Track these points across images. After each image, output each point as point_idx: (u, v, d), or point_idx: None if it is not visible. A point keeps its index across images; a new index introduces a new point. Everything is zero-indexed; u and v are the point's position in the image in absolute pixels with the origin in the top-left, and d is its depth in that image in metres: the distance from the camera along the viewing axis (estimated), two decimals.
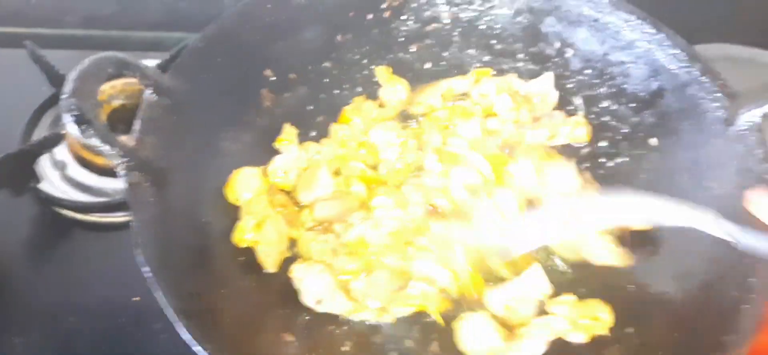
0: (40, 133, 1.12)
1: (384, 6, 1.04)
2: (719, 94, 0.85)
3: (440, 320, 0.82)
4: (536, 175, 0.91)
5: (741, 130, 0.81)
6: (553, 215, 0.85)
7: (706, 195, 0.83)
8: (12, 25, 1.34)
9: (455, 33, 1.07)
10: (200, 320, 0.68)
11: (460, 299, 0.84)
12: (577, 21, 0.99)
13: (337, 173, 0.94)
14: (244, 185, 0.89)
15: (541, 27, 1.03)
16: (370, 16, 1.04)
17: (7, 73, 1.23)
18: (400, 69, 1.05)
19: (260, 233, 0.85)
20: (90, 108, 0.68)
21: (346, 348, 0.80)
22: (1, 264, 0.98)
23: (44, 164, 1.07)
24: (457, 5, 1.06)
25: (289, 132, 0.96)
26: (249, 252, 0.85)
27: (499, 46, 1.06)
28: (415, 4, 1.06)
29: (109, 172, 1.06)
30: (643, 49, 0.94)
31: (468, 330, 0.80)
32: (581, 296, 0.83)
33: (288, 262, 0.86)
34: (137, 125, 0.77)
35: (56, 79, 1.16)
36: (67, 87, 0.68)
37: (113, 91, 1.13)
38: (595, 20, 0.98)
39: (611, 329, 0.80)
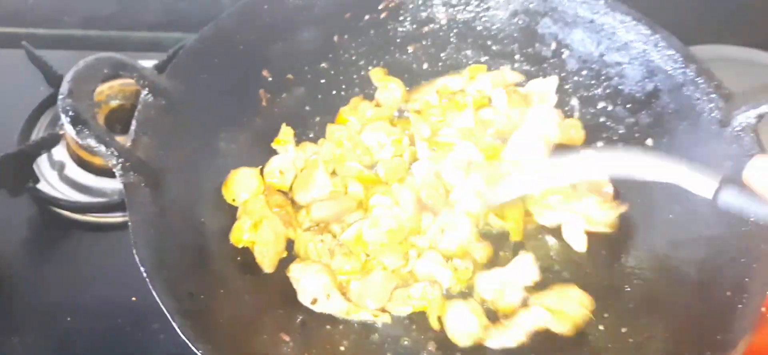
0: (38, 133, 1.12)
1: (381, 7, 1.04)
2: (714, 95, 0.85)
3: (436, 324, 0.82)
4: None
5: (736, 131, 0.81)
6: (538, 164, 0.88)
7: (701, 195, 0.83)
8: (10, 26, 1.34)
9: (452, 34, 1.08)
10: (197, 319, 0.69)
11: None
12: (573, 22, 1.00)
13: (334, 174, 0.95)
14: (241, 186, 0.89)
15: (537, 28, 1.03)
16: (366, 17, 1.04)
17: (6, 74, 1.24)
18: (397, 70, 1.05)
19: (257, 234, 0.85)
20: (86, 109, 0.69)
21: (343, 348, 0.80)
22: (0, 264, 0.98)
23: (42, 164, 1.08)
24: (453, 6, 1.06)
25: (286, 132, 0.96)
26: (246, 252, 0.85)
27: (495, 47, 1.07)
28: (411, 6, 1.06)
29: (107, 172, 1.05)
30: (638, 50, 0.94)
31: (452, 316, 0.82)
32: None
33: (285, 262, 0.86)
34: (134, 126, 0.78)
35: (54, 80, 1.16)
36: (63, 88, 0.69)
37: (111, 91, 1.13)
38: (591, 21, 0.98)
39: (606, 330, 0.80)
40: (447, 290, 0.85)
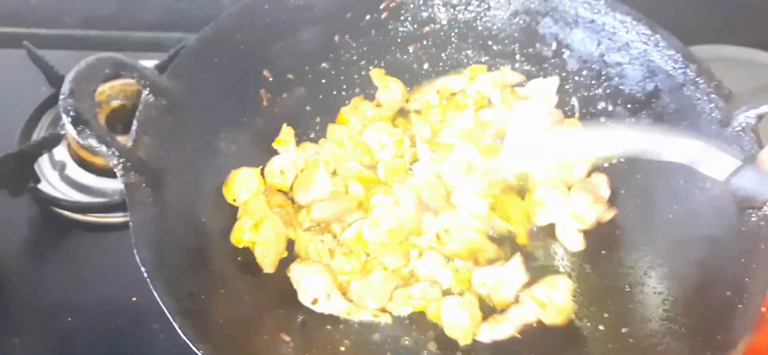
0: (39, 133, 1.12)
1: (382, 7, 1.04)
2: (715, 95, 0.85)
3: (434, 318, 0.82)
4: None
5: (736, 131, 0.81)
6: (538, 141, 0.88)
7: (701, 196, 0.83)
8: (11, 26, 1.34)
9: (452, 34, 1.08)
10: (198, 320, 0.69)
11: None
12: (574, 22, 1.00)
13: (334, 174, 0.95)
14: (242, 186, 0.89)
15: (537, 28, 1.03)
16: (367, 18, 1.04)
17: (7, 74, 1.24)
18: (397, 70, 1.05)
19: (258, 234, 0.85)
20: (87, 109, 0.69)
21: (343, 348, 0.80)
22: (1, 264, 0.98)
23: (43, 164, 1.08)
24: (454, 7, 1.06)
25: (287, 133, 0.97)
26: (247, 252, 0.85)
27: (496, 47, 1.07)
28: (412, 6, 1.06)
29: (107, 172, 1.06)
30: (639, 50, 0.94)
31: (447, 311, 0.82)
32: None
33: (286, 262, 0.86)
34: (135, 126, 0.78)
35: (55, 80, 1.16)
36: (65, 88, 0.69)
37: (112, 91, 1.13)
38: (592, 21, 0.98)
39: (606, 330, 0.80)
40: (447, 290, 0.85)
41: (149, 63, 1.08)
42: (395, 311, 0.83)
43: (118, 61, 0.75)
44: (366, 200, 0.91)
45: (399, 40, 1.07)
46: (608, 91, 0.99)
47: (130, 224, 0.71)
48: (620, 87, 0.97)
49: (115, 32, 1.36)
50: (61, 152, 1.09)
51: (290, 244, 0.88)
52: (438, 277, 0.85)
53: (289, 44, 0.99)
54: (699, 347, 0.73)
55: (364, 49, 1.05)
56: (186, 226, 0.80)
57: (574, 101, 1.01)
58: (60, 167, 1.08)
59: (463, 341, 0.81)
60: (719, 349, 0.71)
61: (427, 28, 1.07)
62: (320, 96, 1.02)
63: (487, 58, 1.07)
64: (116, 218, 1.02)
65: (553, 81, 1.01)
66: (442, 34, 1.08)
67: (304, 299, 0.83)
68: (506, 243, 0.89)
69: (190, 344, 0.66)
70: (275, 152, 0.95)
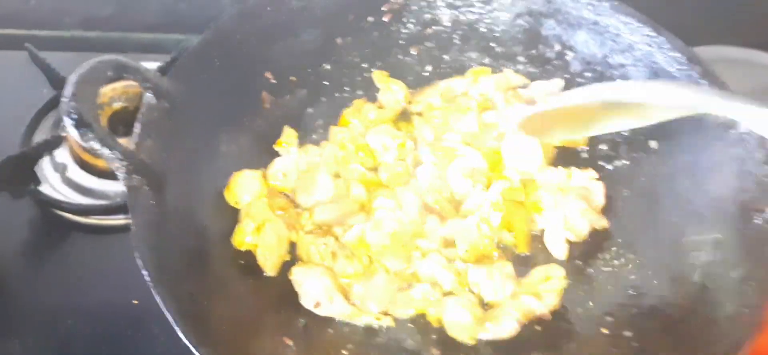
0: (40, 135, 1.11)
1: (384, 9, 1.04)
2: None
3: (436, 322, 0.82)
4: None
5: (741, 133, 0.81)
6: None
7: (705, 198, 0.83)
8: (11, 27, 1.34)
9: (455, 36, 1.07)
10: (199, 323, 0.68)
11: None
12: (577, 24, 0.99)
13: (336, 176, 0.94)
14: (243, 188, 0.89)
15: (541, 30, 1.03)
16: (370, 19, 1.04)
17: (8, 76, 1.23)
18: (400, 72, 1.05)
19: (260, 236, 0.85)
20: (89, 111, 0.69)
21: (345, 351, 0.79)
22: (1, 266, 0.98)
23: (45, 167, 1.07)
24: (457, 8, 1.06)
25: (288, 135, 0.96)
26: (248, 255, 0.85)
27: (499, 49, 1.06)
28: (415, 7, 1.06)
29: (109, 174, 1.05)
30: (642, 52, 0.94)
31: (447, 311, 0.82)
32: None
33: (287, 265, 0.86)
34: (137, 128, 0.78)
35: (57, 82, 1.16)
36: (67, 91, 0.69)
37: (114, 93, 1.13)
38: (595, 23, 0.98)
39: (609, 335, 0.80)
40: (448, 292, 0.84)
41: (150, 64, 1.08)
42: (397, 313, 0.83)
43: (121, 64, 0.75)
44: (368, 202, 0.91)
45: (401, 42, 1.06)
46: None
47: (132, 226, 0.71)
48: None
49: (116, 33, 1.36)
50: (62, 154, 1.09)
51: (292, 247, 0.88)
52: (440, 279, 0.85)
53: (291, 46, 0.99)
54: (703, 351, 0.73)
55: (366, 50, 1.05)
56: (187, 228, 0.80)
57: None
58: (61, 169, 1.07)
59: (466, 341, 0.80)
60: (723, 353, 0.70)
61: (429, 30, 1.07)
62: (322, 98, 1.02)
63: (490, 60, 1.06)
64: (117, 220, 1.02)
65: (557, 83, 1.01)
66: (444, 35, 1.07)
67: (306, 302, 0.82)
68: (508, 249, 0.89)
69: (192, 348, 0.65)
70: (277, 154, 0.95)
